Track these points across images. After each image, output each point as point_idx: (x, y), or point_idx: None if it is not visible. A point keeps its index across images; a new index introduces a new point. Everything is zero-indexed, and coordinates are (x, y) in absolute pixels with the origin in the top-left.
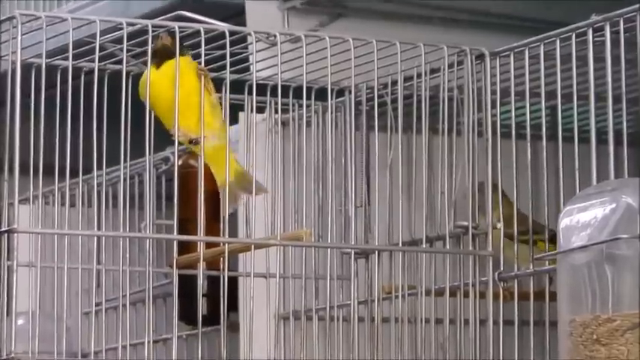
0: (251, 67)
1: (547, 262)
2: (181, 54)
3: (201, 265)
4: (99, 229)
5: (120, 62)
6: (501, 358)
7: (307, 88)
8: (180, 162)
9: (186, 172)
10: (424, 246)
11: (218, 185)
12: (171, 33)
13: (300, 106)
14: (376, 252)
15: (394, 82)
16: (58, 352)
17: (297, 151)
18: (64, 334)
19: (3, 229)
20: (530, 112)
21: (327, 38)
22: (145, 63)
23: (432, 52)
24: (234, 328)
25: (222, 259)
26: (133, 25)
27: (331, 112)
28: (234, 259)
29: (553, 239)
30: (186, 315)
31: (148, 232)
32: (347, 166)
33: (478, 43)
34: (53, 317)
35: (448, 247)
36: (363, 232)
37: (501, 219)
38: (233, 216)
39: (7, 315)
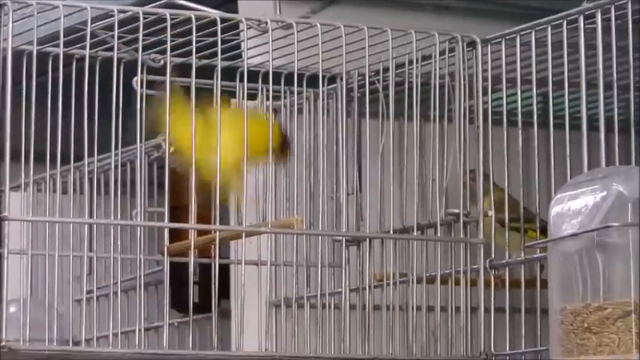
0: (242, 54)
1: (538, 250)
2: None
3: (192, 252)
4: (90, 216)
5: (111, 49)
6: (492, 345)
7: (299, 75)
8: (171, 149)
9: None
10: (415, 234)
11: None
12: None
13: (292, 93)
14: (368, 239)
15: (385, 69)
16: (49, 339)
17: (289, 137)
18: (56, 321)
19: None
20: (522, 100)
21: (319, 25)
22: (135, 50)
23: (423, 39)
24: (225, 315)
25: (213, 246)
26: (124, 12)
27: (323, 99)
28: (226, 247)
29: (544, 230)
30: (177, 302)
31: (139, 219)
32: (338, 153)
33: (470, 30)
34: (45, 305)
35: (439, 234)
36: (355, 220)
37: (492, 207)
38: (224, 203)
39: None
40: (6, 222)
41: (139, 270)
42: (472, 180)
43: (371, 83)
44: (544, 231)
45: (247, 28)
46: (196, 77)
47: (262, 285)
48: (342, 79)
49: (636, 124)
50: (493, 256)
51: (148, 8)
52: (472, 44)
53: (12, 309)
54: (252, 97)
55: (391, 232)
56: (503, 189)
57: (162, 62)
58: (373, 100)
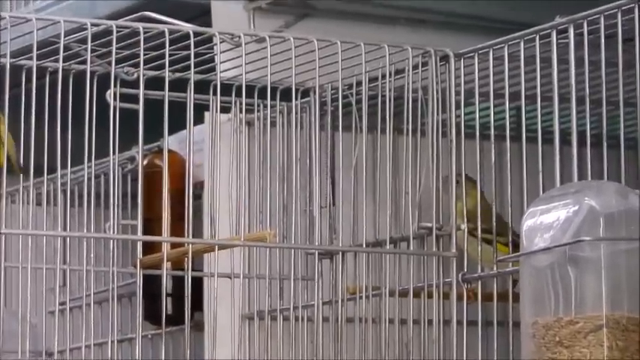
0: (216, 67)
1: (511, 264)
2: None
3: (165, 265)
4: (64, 228)
5: (85, 62)
6: (465, 358)
7: (272, 88)
8: (145, 162)
9: (152, 171)
10: (388, 247)
11: None
12: None
13: (265, 106)
14: (340, 253)
15: (359, 83)
16: (22, 350)
17: (262, 151)
18: (29, 332)
19: None
20: (495, 113)
21: (292, 39)
22: (109, 63)
23: (396, 53)
24: (198, 327)
25: (186, 259)
26: (97, 25)
27: (296, 113)
28: (199, 259)
29: (516, 244)
30: (151, 314)
31: (112, 232)
32: (312, 166)
33: (443, 44)
34: (18, 316)
35: (412, 248)
36: (328, 233)
37: (465, 220)
38: (198, 216)
39: None
40: None
41: (112, 282)
42: (457, 182)
43: (344, 97)
44: (516, 244)
45: (220, 42)
46: (170, 90)
47: (235, 297)
48: (315, 92)
49: (608, 139)
50: (465, 269)
51: (121, 22)
52: (445, 58)
53: None
54: (225, 110)
55: (364, 245)
56: (476, 189)
57: (135, 75)
58: (346, 114)
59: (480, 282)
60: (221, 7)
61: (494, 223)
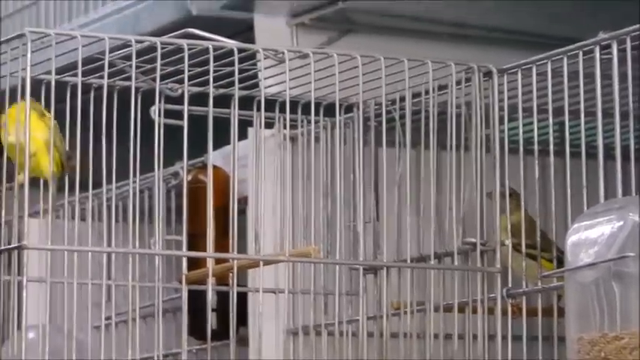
0: (260, 83)
1: (555, 279)
2: None
3: (210, 280)
4: (109, 244)
5: (129, 78)
6: None
7: (316, 104)
8: (189, 177)
9: (196, 187)
10: (433, 262)
11: None
12: None
13: (309, 121)
14: (385, 268)
15: (402, 98)
16: None
17: (306, 166)
18: (75, 348)
19: (13, 245)
20: (538, 129)
21: (335, 55)
22: (153, 79)
23: (439, 69)
24: (243, 342)
25: (231, 274)
26: (141, 42)
27: (340, 128)
28: (244, 274)
29: (560, 260)
30: (195, 329)
31: (157, 247)
32: (355, 181)
33: (486, 60)
34: (64, 331)
35: (456, 263)
36: (372, 248)
37: (509, 235)
38: (242, 231)
39: (18, 329)
40: (25, 250)
41: (157, 297)
42: (502, 195)
43: (388, 112)
44: (560, 260)
45: (264, 58)
46: (214, 106)
47: (280, 313)
48: (358, 108)
49: None
50: (510, 284)
51: (165, 38)
52: (488, 74)
53: (31, 335)
54: (269, 125)
55: (408, 260)
56: (521, 205)
57: (179, 91)
58: (390, 129)
59: (524, 297)
60: (264, 23)
61: (539, 239)
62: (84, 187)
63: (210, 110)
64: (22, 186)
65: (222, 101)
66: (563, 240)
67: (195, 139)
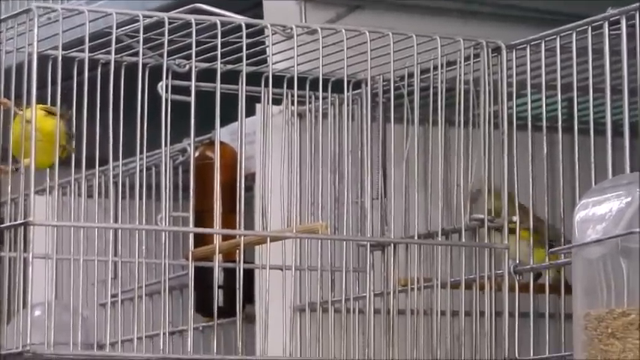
0: (268, 59)
1: (563, 256)
2: None
3: (217, 257)
4: (116, 220)
5: (136, 54)
6: (517, 350)
7: (324, 80)
8: (196, 154)
9: (203, 163)
10: (440, 239)
11: None
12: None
13: (317, 98)
14: (392, 244)
15: (410, 75)
16: (74, 343)
17: (314, 143)
18: (80, 325)
19: (19, 221)
20: (546, 105)
21: (344, 31)
22: (161, 55)
23: (448, 45)
24: (250, 319)
25: (238, 251)
26: (149, 17)
27: (348, 104)
28: (251, 251)
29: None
30: (202, 306)
31: (164, 224)
32: (363, 158)
33: (495, 36)
34: (69, 308)
35: (464, 239)
36: (379, 225)
37: (517, 212)
38: (249, 208)
39: (24, 307)
40: (31, 227)
41: (163, 274)
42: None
43: (396, 88)
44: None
45: (272, 34)
46: (221, 82)
47: (287, 289)
48: (367, 84)
49: None
50: (517, 261)
51: (173, 14)
52: (497, 50)
53: (37, 312)
54: (277, 102)
55: (416, 237)
56: (527, 208)
57: (187, 67)
58: (398, 105)
59: (531, 274)
60: None
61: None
62: (91, 164)
63: (218, 86)
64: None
65: (230, 77)
66: (571, 216)
67: (202, 116)
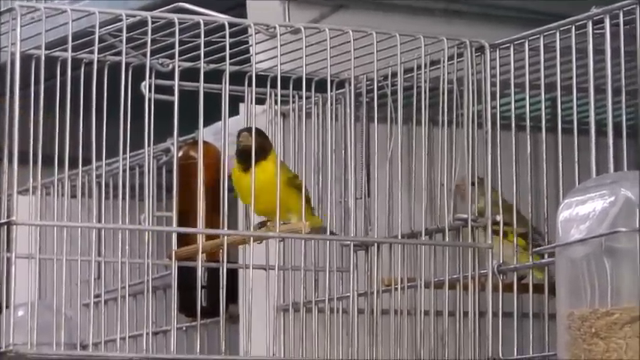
0: (251, 58)
1: (546, 255)
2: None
3: (200, 257)
4: (99, 220)
5: (120, 54)
6: (500, 350)
7: (307, 79)
8: (180, 153)
9: (187, 163)
10: (424, 238)
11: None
12: (250, 130)
13: (300, 97)
14: (376, 244)
15: (394, 74)
16: (57, 343)
17: (297, 142)
18: (64, 325)
19: (2, 220)
20: (530, 104)
21: (327, 30)
22: (144, 54)
23: (432, 44)
24: (233, 319)
25: (221, 250)
26: (132, 16)
27: (331, 104)
28: (234, 251)
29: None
30: (185, 306)
31: (147, 224)
32: (347, 157)
33: (478, 35)
34: (53, 308)
35: (448, 239)
36: (363, 224)
37: (501, 212)
38: (233, 208)
39: (7, 307)
40: (14, 226)
41: (147, 274)
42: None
43: (379, 88)
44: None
45: (256, 33)
46: (205, 82)
47: (270, 289)
48: (350, 83)
49: None
50: (501, 260)
51: (156, 13)
52: (481, 49)
53: (20, 313)
54: (260, 101)
55: (399, 236)
56: (510, 204)
57: (170, 66)
58: (382, 105)
59: (515, 273)
60: None
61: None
62: (74, 164)
63: (201, 86)
64: (10, 163)
65: (214, 77)
66: (554, 215)
67: (186, 115)
